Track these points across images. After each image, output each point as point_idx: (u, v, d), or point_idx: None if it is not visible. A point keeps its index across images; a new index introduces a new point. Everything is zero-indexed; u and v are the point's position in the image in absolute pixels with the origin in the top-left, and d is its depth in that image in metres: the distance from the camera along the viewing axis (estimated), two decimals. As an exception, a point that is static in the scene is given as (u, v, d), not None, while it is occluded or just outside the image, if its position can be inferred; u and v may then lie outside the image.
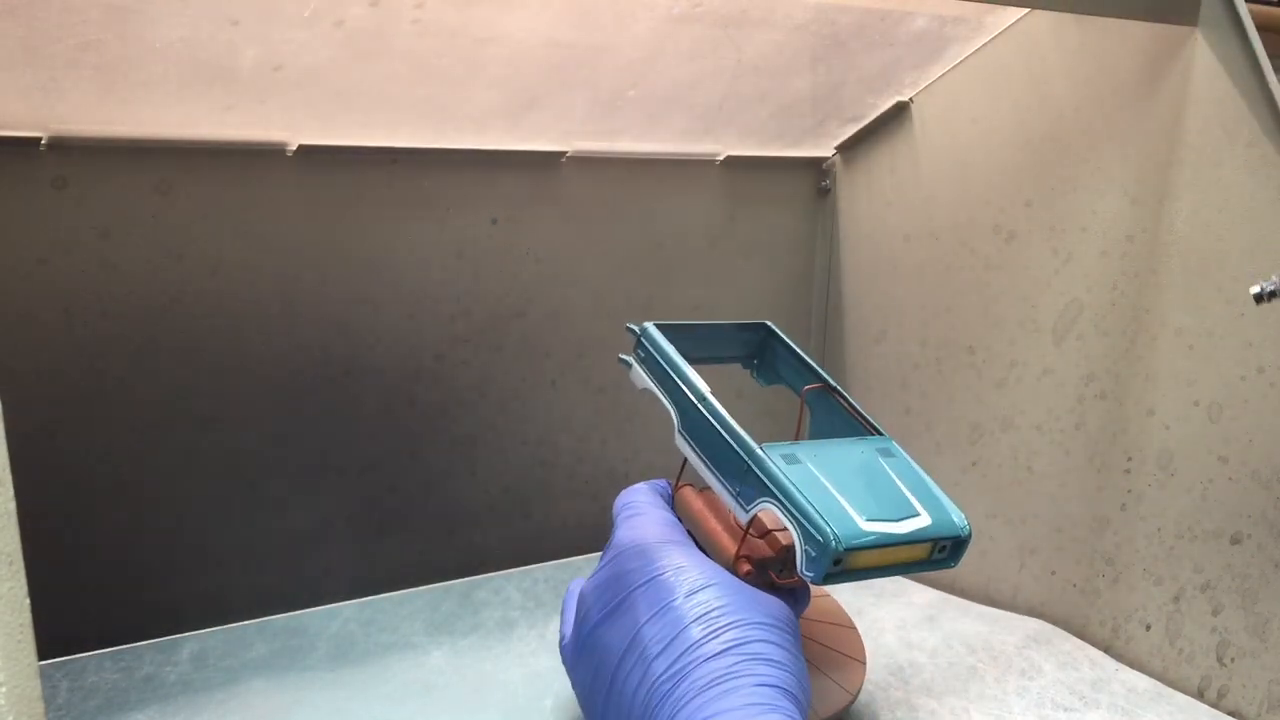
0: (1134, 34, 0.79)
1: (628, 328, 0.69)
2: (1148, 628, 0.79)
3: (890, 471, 0.60)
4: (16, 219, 0.77)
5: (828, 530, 0.53)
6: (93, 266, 0.80)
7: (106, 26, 0.64)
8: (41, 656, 0.40)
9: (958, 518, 0.58)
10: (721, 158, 1.07)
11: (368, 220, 0.90)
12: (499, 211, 0.97)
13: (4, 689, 0.35)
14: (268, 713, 0.69)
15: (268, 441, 0.89)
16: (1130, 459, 0.81)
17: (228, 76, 0.73)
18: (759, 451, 0.58)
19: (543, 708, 0.70)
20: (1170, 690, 0.76)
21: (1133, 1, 0.75)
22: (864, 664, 0.70)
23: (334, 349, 0.91)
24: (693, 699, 0.49)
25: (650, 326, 0.68)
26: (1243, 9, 0.73)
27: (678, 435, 0.65)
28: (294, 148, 0.85)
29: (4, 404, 0.38)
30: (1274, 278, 0.56)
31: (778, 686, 0.51)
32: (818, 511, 0.54)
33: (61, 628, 0.78)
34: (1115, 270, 0.82)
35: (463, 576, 0.93)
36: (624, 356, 0.70)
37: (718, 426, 0.61)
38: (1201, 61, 0.75)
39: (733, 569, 0.60)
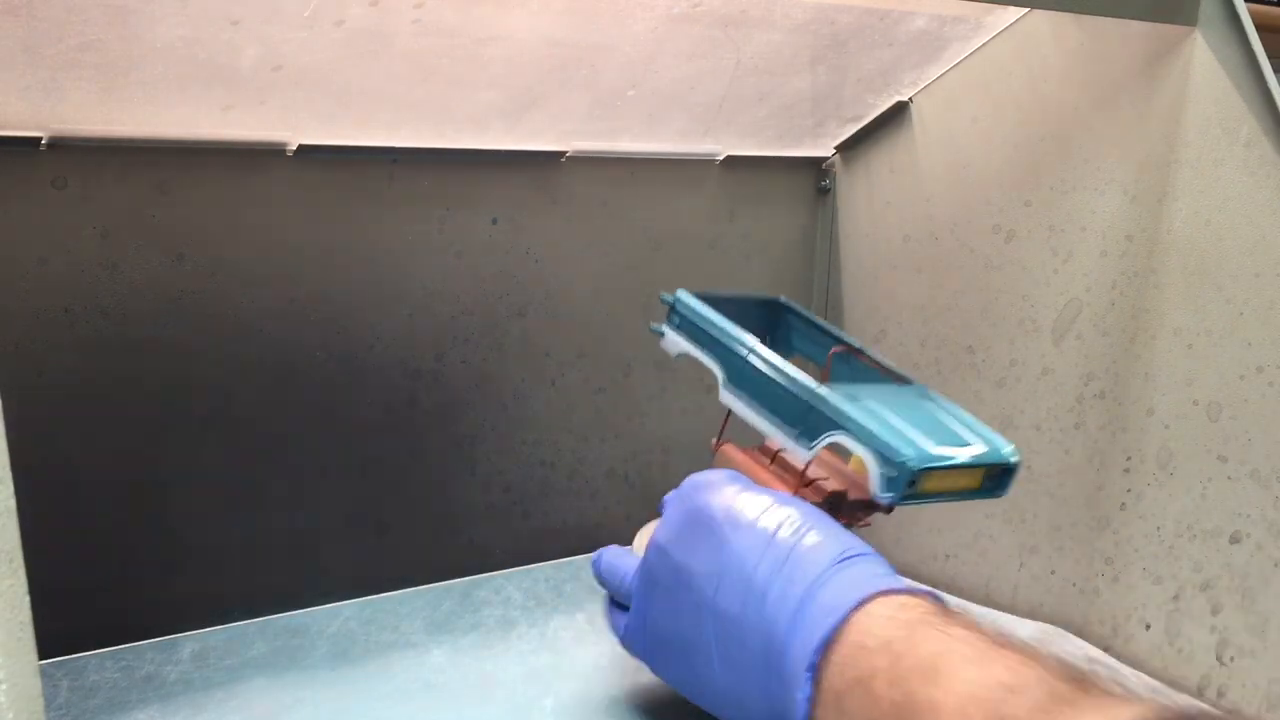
0: (1133, 34, 0.80)
1: (661, 298, 0.73)
2: (1147, 627, 0.80)
3: (936, 409, 0.65)
4: (16, 219, 0.77)
5: (907, 452, 0.55)
6: (93, 266, 0.80)
7: (106, 26, 0.64)
8: (42, 655, 0.40)
9: (1006, 448, 0.62)
10: (721, 158, 1.07)
11: (368, 220, 0.91)
12: (499, 211, 0.97)
13: (4, 687, 0.35)
14: (269, 712, 0.69)
15: (268, 441, 0.89)
16: (1130, 458, 0.81)
17: (228, 76, 0.73)
18: (822, 391, 0.61)
19: (543, 707, 0.70)
20: (1169, 689, 0.76)
21: (1132, 1, 0.75)
22: None
23: (334, 349, 0.91)
24: (813, 591, 0.47)
25: (683, 293, 0.72)
26: (1242, 9, 0.73)
27: (724, 390, 0.68)
28: (294, 148, 0.85)
29: (4, 403, 0.38)
30: None
31: (883, 559, 0.51)
32: (895, 434, 0.57)
33: (62, 627, 0.78)
34: (1114, 270, 0.83)
35: (463, 576, 0.93)
36: (656, 326, 0.73)
37: (771, 373, 0.64)
38: (1201, 61, 0.75)
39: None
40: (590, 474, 1.06)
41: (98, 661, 0.75)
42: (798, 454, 0.63)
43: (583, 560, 0.99)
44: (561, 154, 0.98)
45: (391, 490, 0.96)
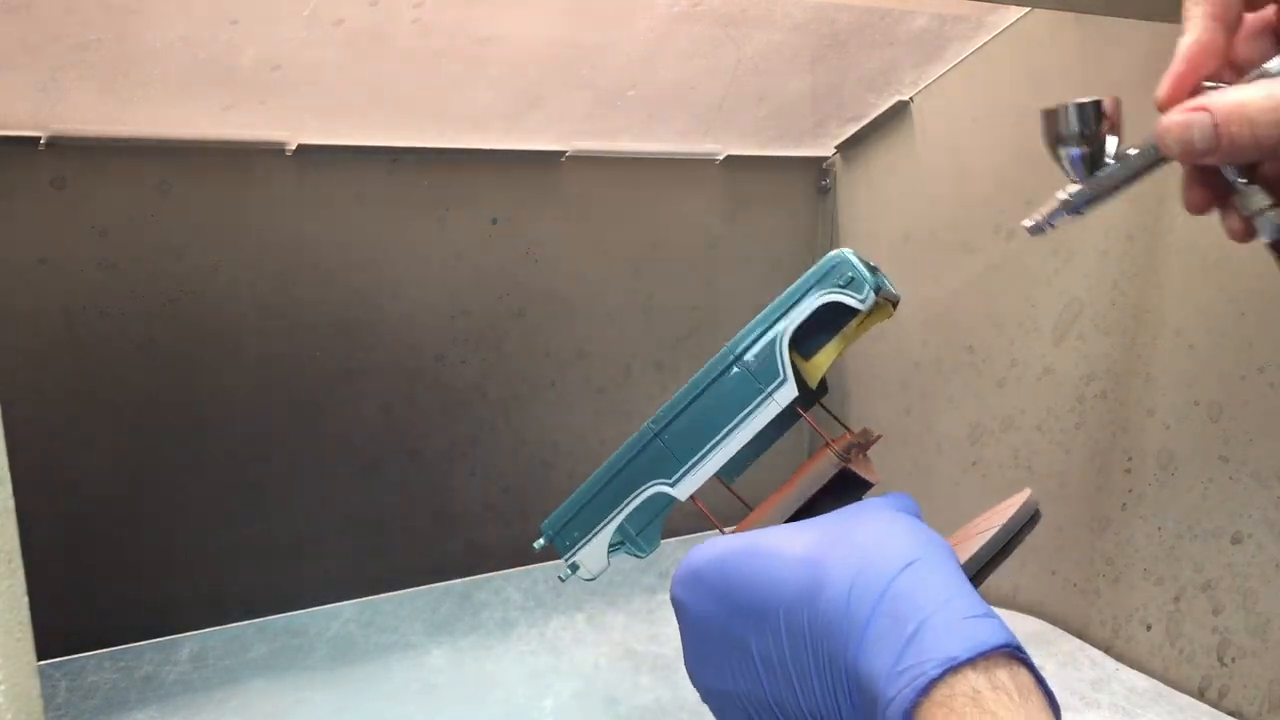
0: (1133, 33, 0.79)
1: (535, 546, 0.62)
2: (1148, 627, 0.79)
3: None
4: (16, 219, 0.77)
5: (839, 254, 0.55)
6: (92, 266, 0.80)
7: (106, 26, 0.64)
8: (41, 656, 0.40)
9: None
10: (721, 157, 1.07)
11: (368, 220, 0.90)
12: (499, 211, 0.97)
13: (3, 688, 0.35)
14: (268, 712, 0.69)
15: (267, 442, 0.89)
16: (1130, 459, 0.81)
17: (227, 76, 0.73)
18: (735, 344, 0.57)
19: (542, 707, 0.70)
20: (1170, 690, 0.76)
21: (1132, 1, 0.75)
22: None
23: (334, 349, 0.91)
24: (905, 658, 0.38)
25: (549, 520, 0.62)
26: (1243, 8, 0.73)
27: (681, 490, 0.59)
28: (294, 147, 0.85)
29: (4, 404, 0.38)
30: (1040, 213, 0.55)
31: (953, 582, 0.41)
32: (825, 263, 0.56)
33: (61, 628, 0.78)
34: (1115, 270, 0.82)
35: (463, 576, 0.93)
36: (562, 573, 0.62)
37: (689, 401, 0.59)
38: (1202, 61, 0.75)
39: (831, 469, 0.56)
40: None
41: (96, 662, 0.75)
42: (786, 394, 0.56)
43: (583, 560, 0.99)
44: (561, 154, 0.97)
45: (391, 490, 0.96)
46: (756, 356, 0.58)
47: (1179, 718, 0.71)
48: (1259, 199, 0.45)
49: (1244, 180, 0.45)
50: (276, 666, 0.76)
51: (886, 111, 1.03)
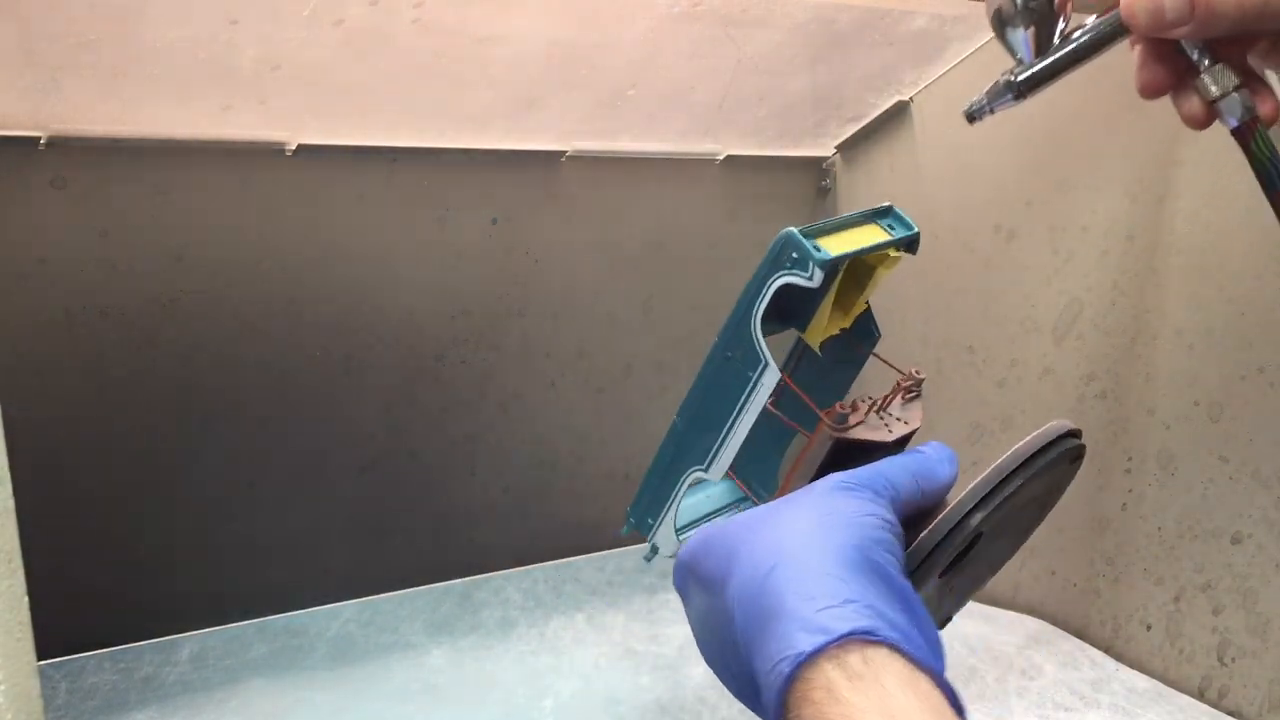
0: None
1: (623, 533, 0.64)
2: (1148, 628, 0.79)
3: None
4: (16, 219, 0.77)
5: (785, 234, 0.57)
6: (92, 266, 0.80)
7: (106, 26, 0.64)
8: (41, 657, 0.40)
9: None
10: (721, 157, 1.07)
11: (368, 220, 0.90)
12: (499, 211, 0.97)
13: (2, 688, 0.35)
14: (268, 712, 0.69)
15: (267, 442, 0.89)
16: (1130, 459, 0.81)
17: (227, 76, 0.73)
18: (720, 337, 0.61)
19: (542, 708, 0.70)
20: (1170, 690, 0.76)
21: (1133, 1, 0.75)
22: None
23: (334, 349, 0.91)
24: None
25: (631, 507, 0.64)
26: (1243, 8, 0.73)
27: (714, 470, 0.62)
28: (293, 147, 0.85)
29: (4, 403, 0.38)
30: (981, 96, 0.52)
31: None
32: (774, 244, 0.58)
33: (61, 628, 0.78)
34: (1115, 269, 0.82)
35: (463, 576, 0.93)
36: (647, 554, 0.64)
37: (697, 401, 0.61)
38: (1202, 61, 0.75)
39: (827, 440, 0.59)
40: (590, 474, 1.06)
41: (96, 662, 0.75)
42: (773, 380, 0.59)
43: (583, 561, 0.99)
44: (561, 154, 0.97)
45: (391, 490, 0.96)
46: (740, 347, 0.61)
47: (1179, 718, 0.71)
48: (1227, 78, 0.42)
49: (1208, 60, 0.42)
50: (276, 666, 0.76)
51: (886, 111, 1.03)
